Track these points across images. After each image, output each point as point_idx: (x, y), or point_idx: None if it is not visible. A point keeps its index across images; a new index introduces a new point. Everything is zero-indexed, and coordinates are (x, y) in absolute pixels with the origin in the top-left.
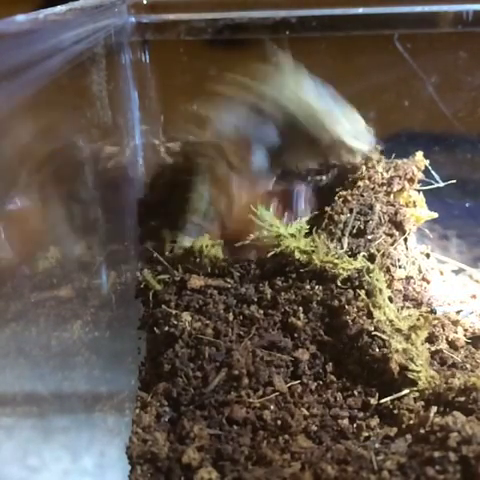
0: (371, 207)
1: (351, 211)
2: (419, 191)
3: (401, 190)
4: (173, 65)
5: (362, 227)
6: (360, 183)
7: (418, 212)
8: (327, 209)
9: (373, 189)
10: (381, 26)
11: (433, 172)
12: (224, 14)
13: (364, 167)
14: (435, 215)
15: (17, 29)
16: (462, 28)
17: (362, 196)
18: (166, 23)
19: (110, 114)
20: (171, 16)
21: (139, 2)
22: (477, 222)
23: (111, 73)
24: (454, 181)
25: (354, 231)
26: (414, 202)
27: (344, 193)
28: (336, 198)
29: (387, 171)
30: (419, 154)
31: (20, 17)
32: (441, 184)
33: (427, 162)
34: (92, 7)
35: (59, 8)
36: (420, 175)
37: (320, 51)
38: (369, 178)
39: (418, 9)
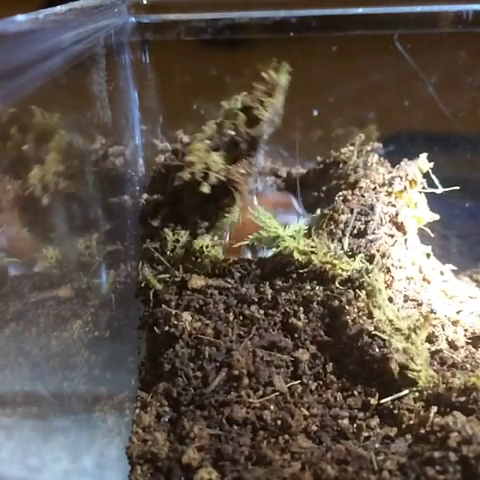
0: (372, 207)
1: (352, 211)
2: (420, 192)
3: (402, 191)
4: (173, 65)
5: (363, 227)
6: (362, 183)
7: (419, 213)
8: (327, 209)
9: (374, 189)
10: (381, 26)
11: (433, 176)
12: (224, 14)
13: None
14: (436, 217)
15: (17, 29)
16: (462, 28)
17: (363, 196)
18: (166, 23)
19: (110, 114)
20: (171, 16)
21: (139, 2)
22: (477, 222)
23: (111, 73)
24: (457, 187)
25: (355, 231)
26: (415, 203)
27: (344, 193)
28: (336, 198)
29: (388, 172)
30: (423, 156)
31: (20, 17)
32: (440, 190)
33: (431, 164)
34: (92, 7)
35: (59, 8)
36: (421, 178)
37: (320, 51)
38: (370, 178)
39: (418, 9)
